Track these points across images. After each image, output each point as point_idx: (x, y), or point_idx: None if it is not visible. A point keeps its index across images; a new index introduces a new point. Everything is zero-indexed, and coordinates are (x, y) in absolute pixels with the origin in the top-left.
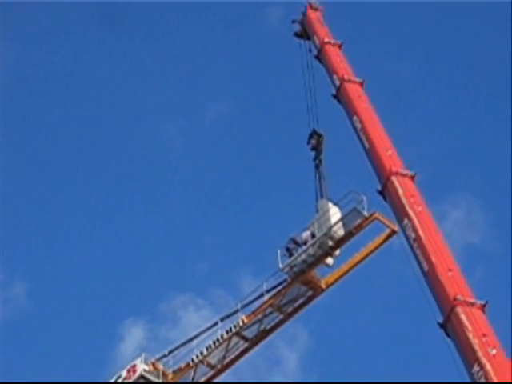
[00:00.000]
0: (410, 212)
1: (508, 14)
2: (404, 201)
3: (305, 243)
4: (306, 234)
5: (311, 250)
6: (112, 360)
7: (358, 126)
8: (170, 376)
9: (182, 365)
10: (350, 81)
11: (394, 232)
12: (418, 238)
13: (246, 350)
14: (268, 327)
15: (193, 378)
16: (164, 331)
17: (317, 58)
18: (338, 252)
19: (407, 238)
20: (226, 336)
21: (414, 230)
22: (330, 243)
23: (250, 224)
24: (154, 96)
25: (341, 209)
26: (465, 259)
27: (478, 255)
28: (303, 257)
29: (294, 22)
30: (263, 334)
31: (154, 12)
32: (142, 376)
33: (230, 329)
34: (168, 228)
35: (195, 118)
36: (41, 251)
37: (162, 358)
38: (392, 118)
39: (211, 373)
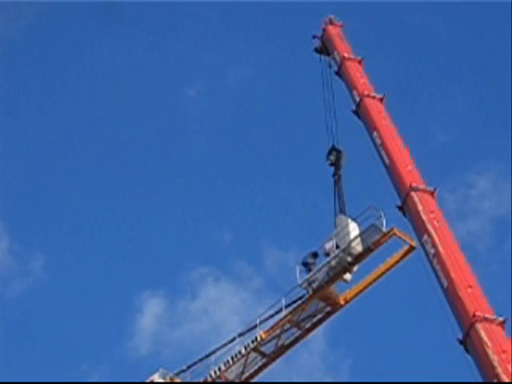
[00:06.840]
0: (430, 228)
1: None
2: (424, 217)
3: (327, 254)
4: (329, 245)
5: (333, 262)
6: (130, 333)
7: (378, 141)
8: None
9: (200, 380)
10: (369, 96)
11: (412, 248)
12: (437, 254)
13: (264, 366)
14: (286, 343)
15: None
16: (183, 304)
17: (337, 73)
18: (356, 268)
19: (426, 253)
20: (243, 351)
21: (434, 245)
22: (349, 259)
23: (274, 193)
24: (173, 62)
25: (359, 224)
26: (493, 231)
27: (507, 227)
28: (325, 269)
29: (314, 37)
30: (281, 350)
31: None
32: None
33: (248, 344)
34: (189, 196)
35: (216, 82)
36: (58, 224)
37: (179, 373)
38: (419, 86)
39: None
